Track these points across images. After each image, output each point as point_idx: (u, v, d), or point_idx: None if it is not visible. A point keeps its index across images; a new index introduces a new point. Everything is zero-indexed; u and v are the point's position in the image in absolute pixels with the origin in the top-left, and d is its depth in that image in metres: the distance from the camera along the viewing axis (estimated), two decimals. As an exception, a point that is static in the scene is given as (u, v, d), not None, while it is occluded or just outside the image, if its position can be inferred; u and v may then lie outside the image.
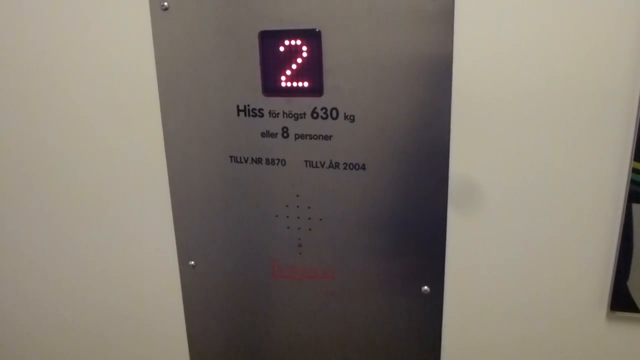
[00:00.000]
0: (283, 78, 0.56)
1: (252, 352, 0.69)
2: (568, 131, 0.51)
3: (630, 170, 0.50)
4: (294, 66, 0.55)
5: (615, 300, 0.55)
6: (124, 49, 0.60)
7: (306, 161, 0.58)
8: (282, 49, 0.55)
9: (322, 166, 0.58)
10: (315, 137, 0.57)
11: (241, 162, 0.60)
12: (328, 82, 0.55)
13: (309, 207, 0.60)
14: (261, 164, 0.60)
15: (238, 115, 0.58)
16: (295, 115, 0.57)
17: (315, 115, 0.56)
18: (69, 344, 0.80)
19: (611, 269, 0.54)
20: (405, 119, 0.54)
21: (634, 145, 0.49)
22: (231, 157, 0.60)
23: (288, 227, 0.61)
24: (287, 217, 0.61)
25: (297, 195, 0.60)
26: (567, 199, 0.53)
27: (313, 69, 0.55)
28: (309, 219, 0.60)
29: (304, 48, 0.54)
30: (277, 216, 0.61)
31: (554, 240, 0.55)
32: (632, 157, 0.49)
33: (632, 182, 0.50)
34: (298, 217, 0.61)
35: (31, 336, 0.81)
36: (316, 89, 0.55)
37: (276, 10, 0.54)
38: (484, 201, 0.55)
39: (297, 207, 0.60)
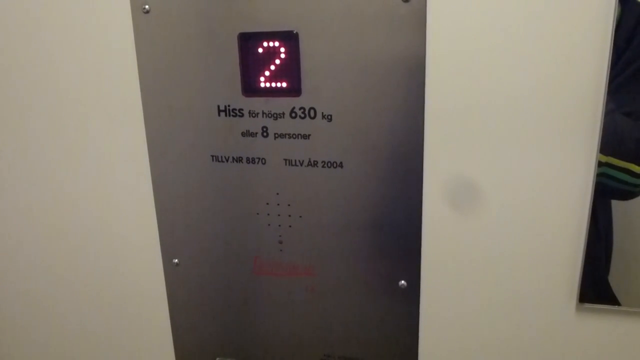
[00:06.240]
0: (262, 79, 0.57)
1: (236, 348, 0.70)
2: (537, 126, 0.52)
3: (596, 164, 0.51)
4: (272, 67, 0.57)
5: (584, 293, 0.56)
6: (106, 51, 0.62)
7: (285, 160, 0.60)
8: (260, 50, 0.56)
9: (301, 164, 0.59)
10: (294, 136, 0.58)
11: (222, 161, 0.62)
12: (306, 82, 0.56)
13: (289, 205, 0.61)
14: (242, 162, 0.61)
15: (219, 115, 0.60)
16: (275, 115, 0.58)
17: (293, 115, 0.58)
18: (52, 340, 0.80)
19: (580, 262, 0.56)
20: (380, 118, 0.55)
21: (600, 140, 0.50)
22: (212, 156, 0.62)
23: (269, 225, 0.63)
24: (268, 214, 0.62)
25: (277, 193, 0.61)
26: (537, 194, 0.54)
27: (291, 70, 0.56)
28: (289, 216, 0.62)
29: (282, 49, 0.56)
30: (258, 214, 0.63)
31: (526, 234, 0.56)
32: (598, 150, 0.51)
33: (608, 178, 0.51)
34: (278, 215, 0.62)
35: (15, 330, 0.82)
36: (294, 89, 0.57)
37: (255, 12, 0.55)
38: (458, 197, 0.57)
39: (278, 204, 0.62)
